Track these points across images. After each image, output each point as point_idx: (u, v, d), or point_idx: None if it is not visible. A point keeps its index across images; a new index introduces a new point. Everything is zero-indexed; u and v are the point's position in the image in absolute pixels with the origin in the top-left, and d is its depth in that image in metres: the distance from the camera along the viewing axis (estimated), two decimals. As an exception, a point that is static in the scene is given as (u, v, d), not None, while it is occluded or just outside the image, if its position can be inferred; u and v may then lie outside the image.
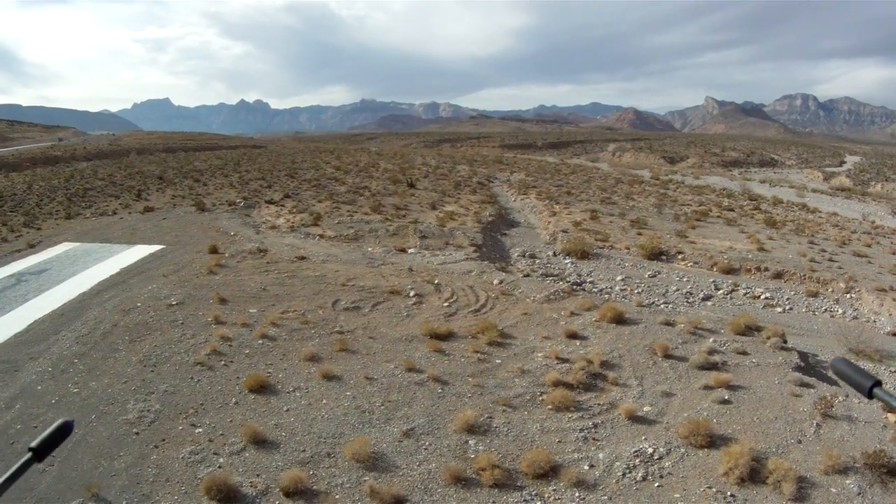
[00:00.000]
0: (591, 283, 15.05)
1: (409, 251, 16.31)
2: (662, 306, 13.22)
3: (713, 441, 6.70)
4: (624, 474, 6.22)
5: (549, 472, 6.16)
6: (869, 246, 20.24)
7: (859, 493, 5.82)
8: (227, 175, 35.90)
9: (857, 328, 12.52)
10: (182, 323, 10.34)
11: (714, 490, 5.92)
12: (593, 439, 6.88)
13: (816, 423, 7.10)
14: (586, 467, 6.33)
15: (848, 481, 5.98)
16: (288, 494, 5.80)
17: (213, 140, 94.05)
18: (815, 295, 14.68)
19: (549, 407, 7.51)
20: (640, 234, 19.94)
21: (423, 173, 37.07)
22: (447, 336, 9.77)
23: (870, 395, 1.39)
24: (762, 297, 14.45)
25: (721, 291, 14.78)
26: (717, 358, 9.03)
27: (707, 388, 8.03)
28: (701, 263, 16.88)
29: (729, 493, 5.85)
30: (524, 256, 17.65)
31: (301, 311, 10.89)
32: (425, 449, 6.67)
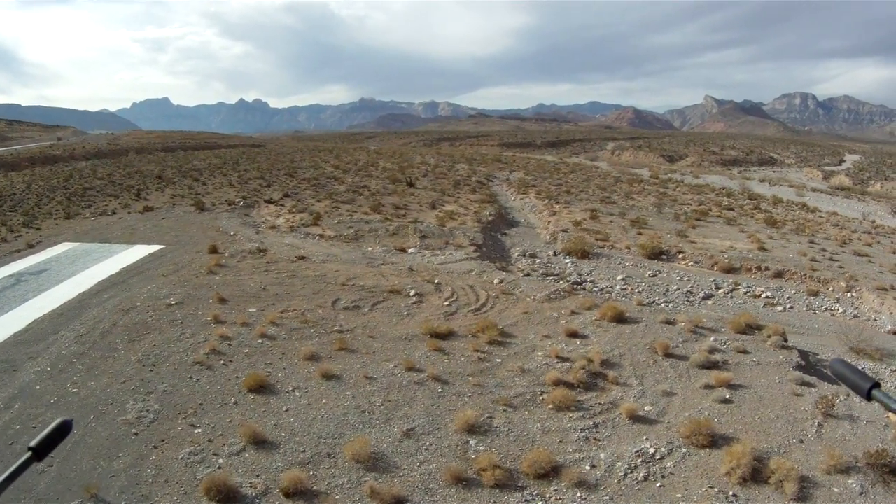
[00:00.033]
0: (591, 282, 15.03)
1: (409, 251, 16.27)
2: (663, 305, 13.20)
3: (714, 441, 6.68)
4: (625, 474, 6.20)
5: (551, 473, 6.14)
6: (869, 245, 20.24)
7: (861, 493, 5.80)
8: (226, 174, 35.83)
9: (858, 327, 12.52)
10: (181, 322, 10.31)
11: (716, 490, 5.90)
12: (594, 439, 6.86)
13: (818, 423, 7.08)
14: (588, 467, 6.31)
15: (850, 481, 5.97)
16: (288, 495, 5.77)
17: (212, 139, 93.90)
18: (815, 294, 14.67)
19: (550, 406, 7.49)
20: (640, 233, 19.92)
21: (423, 172, 37.02)
22: (447, 335, 9.74)
23: (868, 397, 1.38)
24: (763, 296, 14.44)
25: (722, 290, 14.76)
26: (717, 357, 9.01)
27: (708, 387, 8.01)
28: (701, 263, 16.87)
29: (731, 493, 5.84)
30: (524, 256, 17.63)
31: (301, 311, 10.86)
32: (426, 449, 6.64)
